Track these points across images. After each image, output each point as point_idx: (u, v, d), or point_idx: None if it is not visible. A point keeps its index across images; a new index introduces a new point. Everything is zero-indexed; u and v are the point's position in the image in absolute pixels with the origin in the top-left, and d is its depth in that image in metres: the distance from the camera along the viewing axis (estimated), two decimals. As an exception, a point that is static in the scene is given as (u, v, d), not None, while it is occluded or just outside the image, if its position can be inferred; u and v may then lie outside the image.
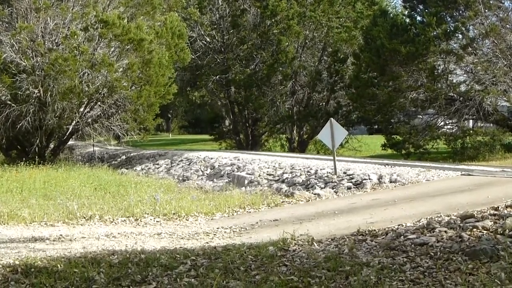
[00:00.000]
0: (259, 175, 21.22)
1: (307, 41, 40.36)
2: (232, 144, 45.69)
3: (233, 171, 23.41)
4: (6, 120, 27.38)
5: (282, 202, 15.82)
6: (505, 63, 28.11)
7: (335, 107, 40.16)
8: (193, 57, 36.55)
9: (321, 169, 19.45)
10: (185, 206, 15.07)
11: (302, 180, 18.91)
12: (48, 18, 27.53)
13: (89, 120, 30.65)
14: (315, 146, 42.59)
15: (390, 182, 16.55)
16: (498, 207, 10.54)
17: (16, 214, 13.79)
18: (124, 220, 13.75)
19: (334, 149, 18.56)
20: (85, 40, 27.33)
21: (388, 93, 30.77)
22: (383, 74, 31.47)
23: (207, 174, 25.21)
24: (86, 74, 27.58)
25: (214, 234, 11.80)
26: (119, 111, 30.60)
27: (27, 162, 25.59)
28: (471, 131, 31.80)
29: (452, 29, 30.01)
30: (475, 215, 9.91)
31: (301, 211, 13.80)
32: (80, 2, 28.29)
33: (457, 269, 7.38)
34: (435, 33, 29.18)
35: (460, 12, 30.67)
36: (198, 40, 40.18)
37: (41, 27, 27.45)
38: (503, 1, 29.96)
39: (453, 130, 32.02)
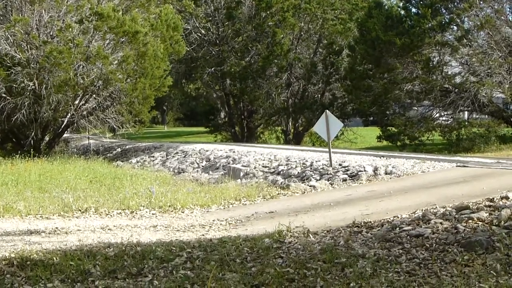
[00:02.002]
0: (255, 167, 21.22)
1: (302, 33, 40.38)
2: (227, 137, 45.71)
3: (228, 164, 23.41)
4: (1, 113, 27.38)
5: (278, 194, 15.82)
6: (500, 54, 28.15)
7: (331, 99, 40.25)
8: (188, 49, 36.51)
9: (316, 161, 19.45)
10: (180, 198, 15.07)
11: (298, 172, 18.92)
12: (43, 11, 27.47)
13: (84, 112, 30.61)
14: (311, 138, 42.65)
15: (386, 173, 16.56)
16: (494, 199, 10.55)
17: (11, 207, 13.79)
18: (120, 212, 13.74)
19: (329, 141, 18.56)
20: (80, 32, 27.27)
21: (383, 85, 30.83)
22: (378, 66, 31.52)
23: (202, 166, 25.21)
24: (81, 66, 27.55)
25: (210, 227, 11.79)
26: (114, 104, 30.57)
27: (22, 155, 25.54)
28: (466, 123, 31.90)
29: (447, 20, 30.07)
30: (471, 206, 9.92)
31: (296, 203, 13.80)
32: (74, -6, 28.25)
33: (453, 261, 7.40)
34: (430, 25, 29.26)
35: (455, 3, 30.69)
36: (193, 32, 40.11)
37: (36, 20, 27.40)
38: (498, -7, 30.00)
39: (448, 122, 32.11)
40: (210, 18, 40.93)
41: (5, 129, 29.76)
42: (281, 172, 19.67)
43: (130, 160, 31.58)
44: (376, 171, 16.83)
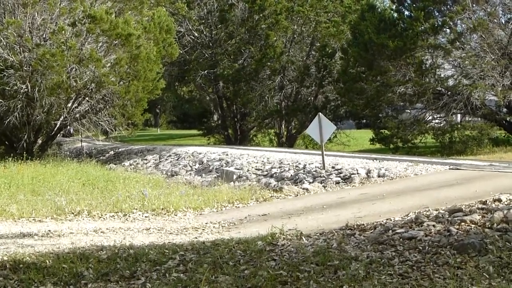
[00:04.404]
0: (248, 170, 21.22)
1: (295, 35, 40.37)
2: (220, 139, 45.65)
3: (221, 166, 23.40)
4: (-6, 115, 27.33)
5: (271, 197, 15.82)
6: (493, 57, 28.18)
7: (324, 101, 40.20)
8: (181, 52, 36.47)
9: (309, 164, 19.47)
10: (173, 201, 15.05)
11: (291, 175, 18.93)
12: (36, 13, 27.42)
13: (77, 115, 30.56)
14: (304, 140, 42.61)
15: (379, 176, 16.59)
16: (486, 201, 10.57)
17: (4, 210, 13.76)
18: (113, 215, 13.72)
19: (322, 143, 18.59)
20: (73, 35, 27.23)
21: (376, 88, 30.82)
22: (371, 68, 31.54)
23: (195, 169, 25.20)
24: (74, 69, 27.49)
25: (203, 229, 11.80)
26: (107, 106, 30.52)
27: (15, 157, 25.45)
28: (459, 125, 31.89)
29: (440, 23, 30.09)
30: (463, 209, 9.94)
31: (289, 206, 13.81)
32: (67, -3, 28.21)
33: (446, 263, 7.41)
34: (423, 27, 29.27)
35: (448, 6, 30.75)
36: (186, 35, 40.07)
37: (29, 23, 27.33)
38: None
39: (441, 125, 32.08)
40: (203, 21, 40.90)
41: (-2, 132, 29.72)
42: (274, 175, 19.68)
43: (123, 163, 31.54)
44: (369, 174, 16.86)
